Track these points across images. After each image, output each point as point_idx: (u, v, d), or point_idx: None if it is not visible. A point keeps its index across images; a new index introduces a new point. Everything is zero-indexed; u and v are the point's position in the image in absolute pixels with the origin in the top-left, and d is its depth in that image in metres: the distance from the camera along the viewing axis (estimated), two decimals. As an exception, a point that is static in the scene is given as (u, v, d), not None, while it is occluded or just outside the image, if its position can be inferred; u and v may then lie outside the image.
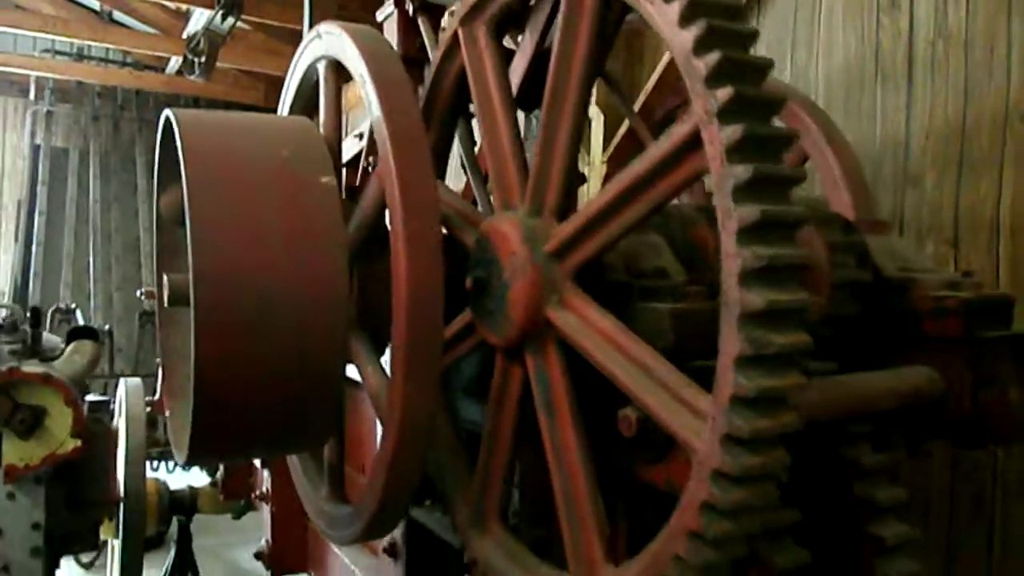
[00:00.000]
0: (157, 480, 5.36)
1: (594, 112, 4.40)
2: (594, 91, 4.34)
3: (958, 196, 2.90)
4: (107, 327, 7.81)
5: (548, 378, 1.50)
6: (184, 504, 5.06)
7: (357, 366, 1.94)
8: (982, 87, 2.82)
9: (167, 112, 1.81)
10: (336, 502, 2.12)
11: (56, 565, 3.47)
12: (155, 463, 6.48)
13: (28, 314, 3.25)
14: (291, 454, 2.22)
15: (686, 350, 1.36)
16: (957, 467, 2.80)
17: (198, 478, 5.85)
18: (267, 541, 3.63)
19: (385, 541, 2.70)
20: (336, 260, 1.71)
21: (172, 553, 5.14)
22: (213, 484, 4.89)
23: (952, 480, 2.82)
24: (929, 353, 1.83)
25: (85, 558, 5.91)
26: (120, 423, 4.82)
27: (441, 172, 2.13)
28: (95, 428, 3.46)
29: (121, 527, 4.46)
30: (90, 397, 5.53)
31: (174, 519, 5.24)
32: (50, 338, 3.46)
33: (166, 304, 1.95)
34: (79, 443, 2.87)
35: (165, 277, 1.92)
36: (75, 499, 3.32)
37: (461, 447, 1.95)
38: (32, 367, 2.89)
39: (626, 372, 1.30)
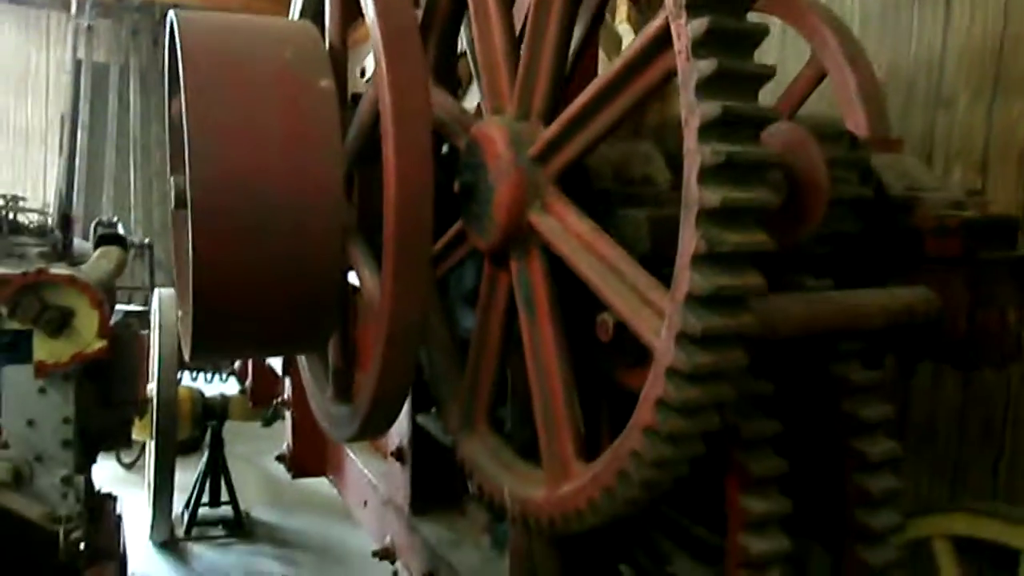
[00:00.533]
0: (191, 388, 5.61)
1: (624, 29, 4.31)
2: (624, 9, 4.26)
3: (990, 120, 2.79)
4: (147, 241, 8.03)
5: (530, 281, 1.52)
6: (216, 410, 5.29)
7: (356, 270, 1.98)
8: (1022, 8, 2.68)
9: (170, 13, 1.82)
10: (340, 403, 2.20)
11: (92, 460, 3.67)
12: (194, 374, 6.75)
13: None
14: (291, 354, 2.29)
15: (664, 256, 1.35)
16: (968, 389, 2.79)
17: (231, 387, 6.08)
18: (288, 445, 3.78)
19: (393, 446, 2.80)
20: (333, 165, 1.73)
21: (205, 456, 5.41)
22: (242, 392, 5.10)
23: (963, 403, 2.81)
24: (929, 273, 1.80)
25: (127, 459, 6.25)
26: (153, 332, 5.01)
27: (447, 78, 2.11)
28: (123, 332, 3.60)
29: (154, 429, 4.69)
30: (130, 307, 5.75)
31: (207, 425, 5.50)
32: (82, 244, 3.57)
33: (173, 206, 2.00)
34: (105, 344, 2.99)
35: (171, 180, 1.97)
36: (106, 398, 3.49)
37: (457, 354, 1.99)
38: (60, 269, 2.99)
39: (599, 276, 1.31)
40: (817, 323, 1.62)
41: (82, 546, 3.10)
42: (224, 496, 5.47)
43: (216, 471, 5.40)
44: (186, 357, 2.00)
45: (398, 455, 2.75)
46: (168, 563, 4.95)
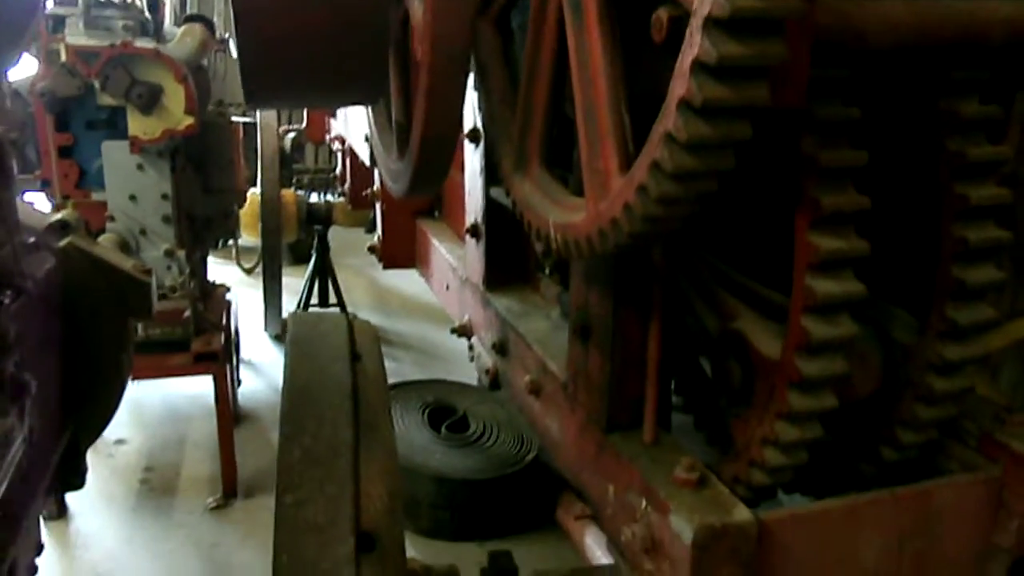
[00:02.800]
0: (297, 193, 5.77)
1: None
2: None
3: None
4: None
5: (577, -24, 1.34)
6: (320, 215, 5.44)
7: (407, 3, 1.84)
8: None
9: None
10: (400, 160, 2.14)
11: (203, 250, 3.85)
12: (307, 193, 6.94)
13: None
14: (349, 100, 2.23)
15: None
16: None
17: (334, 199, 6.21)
18: (379, 237, 3.84)
19: (468, 223, 2.76)
20: None
21: (313, 259, 5.62)
22: (342, 195, 5.20)
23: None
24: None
25: (247, 264, 6.60)
26: (258, 136, 5.11)
27: None
28: (217, 120, 3.66)
29: (261, 227, 4.89)
30: (242, 119, 5.83)
31: (315, 231, 5.68)
32: (171, 29, 3.57)
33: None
34: (192, 121, 3.03)
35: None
36: (206, 185, 3.61)
37: (513, 97, 1.86)
38: (144, 43, 3.01)
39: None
40: (921, 30, 1.36)
41: (188, 317, 3.32)
42: (332, 299, 5.72)
43: (324, 273, 5.62)
44: (245, 103, 1.96)
45: (473, 232, 2.71)
46: (280, 352, 5.30)
